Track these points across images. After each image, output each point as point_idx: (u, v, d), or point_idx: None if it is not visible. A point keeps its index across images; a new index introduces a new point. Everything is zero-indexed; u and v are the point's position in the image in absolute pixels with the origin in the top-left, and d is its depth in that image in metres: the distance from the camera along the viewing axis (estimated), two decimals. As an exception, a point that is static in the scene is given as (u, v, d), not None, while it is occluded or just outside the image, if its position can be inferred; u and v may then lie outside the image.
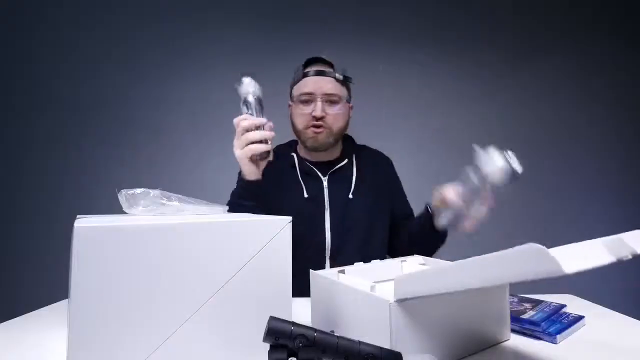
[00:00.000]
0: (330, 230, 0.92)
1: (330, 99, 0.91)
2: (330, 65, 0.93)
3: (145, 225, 0.40)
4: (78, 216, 0.44)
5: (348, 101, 0.97)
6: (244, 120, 0.73)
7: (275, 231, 0.46)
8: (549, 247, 0.28)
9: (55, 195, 1.54)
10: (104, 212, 0.57)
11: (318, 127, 0.91)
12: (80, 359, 0.36)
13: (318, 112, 0.89)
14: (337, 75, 0.91)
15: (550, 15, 1.72)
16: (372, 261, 0.68)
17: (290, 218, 0.47)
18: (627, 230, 0.36)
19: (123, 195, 0.49)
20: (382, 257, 0.89)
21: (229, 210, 0.84)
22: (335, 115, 0.91)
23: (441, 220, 0.76)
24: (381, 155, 1.07)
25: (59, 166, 1.55)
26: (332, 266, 0.92)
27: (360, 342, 0.37)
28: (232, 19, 1.62)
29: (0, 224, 1.54)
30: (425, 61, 1.67)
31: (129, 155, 1.57)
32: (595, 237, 0.32)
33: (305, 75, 0.93)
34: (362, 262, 0.66)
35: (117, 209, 0.50)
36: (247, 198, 0.78)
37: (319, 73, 0.91)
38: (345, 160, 0.97)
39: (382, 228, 0.97)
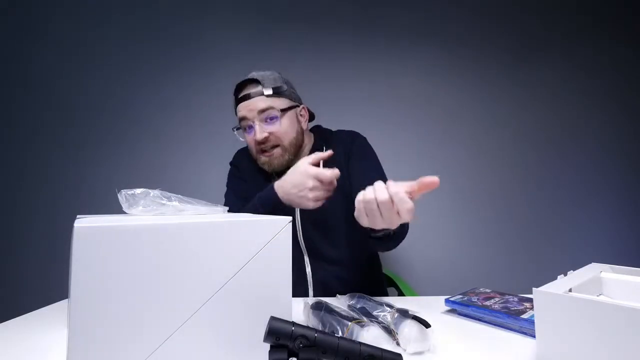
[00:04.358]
0: (301, 221, 0.92)
1: (268, 116, 0.88)
2: (258, 82, 0.89)
3: (145, 225, 0.40)
4: (78, 216, 0.44)
5: (296, 105, 0.94)
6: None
7: (275, 231, 0.46)
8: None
9: (55, 195, 1.54)
10: (104, 212, 0.57)
11: (266, 151, 0.89)
12: (80, 359, 0.36)
13: (258, 136, 0.87)
14: (264, 91, 0.88)
15: (551, 16, 1.72)
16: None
17: (290, 218, 0.47)
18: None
19: (123, 195, 0.49)
20: (360, 240, 0.87)
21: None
22: (279, 131, 0.89)
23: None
24: (344, 134, 1.00)
25: (59, 166, 1.55)
26: (310, 260, 0.92)
27: (360, 343, 0.37)
28: (233, 21, 1.62)
29: (0, 224, 1.54)
30: (426, 61, 1.67)
31: (129, 155, 1.57)
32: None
33: (237, 103, 0.92)
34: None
35: (117, 209, 0.50)
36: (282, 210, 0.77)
37: (246, 97, 0.89)
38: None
39: (347, 211, 0.87)
